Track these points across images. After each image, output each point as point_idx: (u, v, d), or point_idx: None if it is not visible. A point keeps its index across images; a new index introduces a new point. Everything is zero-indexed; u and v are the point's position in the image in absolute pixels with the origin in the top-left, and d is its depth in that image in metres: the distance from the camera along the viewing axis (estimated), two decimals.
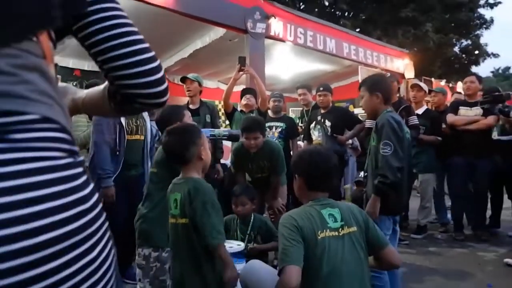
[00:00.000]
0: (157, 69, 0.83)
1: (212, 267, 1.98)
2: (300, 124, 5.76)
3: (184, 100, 4.89)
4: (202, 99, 4.73)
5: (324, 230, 1.87)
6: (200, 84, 4.59)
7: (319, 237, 1.84)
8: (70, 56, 6.53)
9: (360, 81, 7.22)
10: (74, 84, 6.72)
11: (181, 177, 2.08)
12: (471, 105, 4.87)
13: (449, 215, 5.30)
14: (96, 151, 3.28)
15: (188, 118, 2.71)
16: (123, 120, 3.29)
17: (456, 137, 4.83)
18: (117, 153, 3.28)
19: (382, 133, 2.61)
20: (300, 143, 5.21)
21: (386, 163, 2.55)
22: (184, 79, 4.60)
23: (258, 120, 3.78)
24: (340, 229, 1.90)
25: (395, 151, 2.55)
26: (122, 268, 3.47)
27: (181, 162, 2.08)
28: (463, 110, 4.90)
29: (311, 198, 2.03)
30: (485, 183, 4.81)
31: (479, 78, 5.07)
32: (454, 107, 5.01)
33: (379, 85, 2.82)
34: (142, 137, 3.45)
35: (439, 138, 4.89)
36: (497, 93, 4.60)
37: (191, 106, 4.50)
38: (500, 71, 35.14)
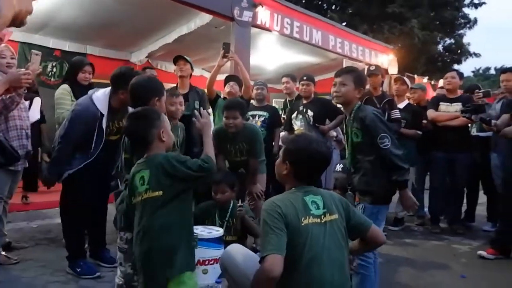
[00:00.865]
0: None
1: (184, 232, 2.07)
2: (283, 116, 5.76)
3: (167, 86, 4.82)
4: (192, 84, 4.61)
5: (307, 217, 1.87)
6: (192, 68, 4.52)
7: (302, 224, 1.84)
8: (50, 35, 6.37)
9: None
10: (53, 64, 6.58)
11: (144, 157, 2.13)
12: (452, 101, 4.94)
13: (426, 209, 5.39)
14: (60, 146, 3.10)
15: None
16: (104, 123, 3.08)
17: (436, 132, 4.90)
18: (92, 150, 3.10)
19: (376, 128, 2.60)
20: (282, 133, 5.21)
21: (392, 153, 2.57)
22: (177, 59, 4.47)
23: (238, 101, 3.85)
24: (323, 216, 1.90)
25: (393, 140, 2.59)
26: (96, 250, 3.43)
27: (143, 145, 2.13)
28: (443, 106, 4.97)
29: (294, 185, 2.03)
30: (464, 178, 4.91)
31: (459, 74, 5.14)
32: (435, 103, 5.07)
33: (364, 81, 2.90)
34: (119, 137, 3.19)
35: (419, 132, 4.95)
36: (478, 104, 4.65)
37: (181, 90, 4.40)
38: (480, 71, 35.64)
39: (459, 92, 5.14)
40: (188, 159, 2.09)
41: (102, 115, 3.05)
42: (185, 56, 4.47)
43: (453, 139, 4.75)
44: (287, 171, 2.05)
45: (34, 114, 4.36)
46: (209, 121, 2.39)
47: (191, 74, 4.55)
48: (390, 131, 2.65)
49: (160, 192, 2.01)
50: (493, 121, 4.13)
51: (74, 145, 3.10)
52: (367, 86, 5.22)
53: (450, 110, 4.91)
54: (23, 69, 2.94)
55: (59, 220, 3.71)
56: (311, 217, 1.88)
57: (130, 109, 3.34)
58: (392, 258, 3.86)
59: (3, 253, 3.40)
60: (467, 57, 19.29)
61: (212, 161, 2.13)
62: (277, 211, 1.85)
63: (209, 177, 2.22)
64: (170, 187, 2.03)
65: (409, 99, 5.51)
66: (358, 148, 2.73)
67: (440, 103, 5.00)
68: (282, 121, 5.49)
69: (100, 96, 3.11)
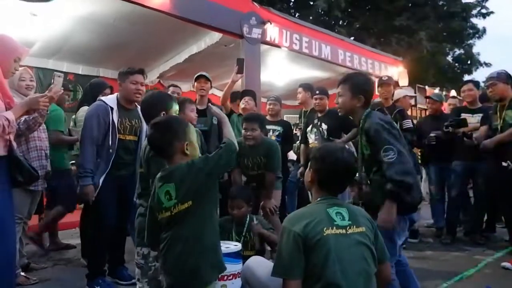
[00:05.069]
0: None
1: (213, 231, 2.01)
2: (299, 125, 5.76)
3: None
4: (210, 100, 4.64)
5: (331, 228, 1.86)
6: (211, 85, 4.57)
7: (324, 234, 1.83)
8: (63, 59, 6.51)
9: None
10: (70, 87, 6.69)
11: (166, 169, 2.01)
12: (473, 112, 4.89)
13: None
14: (80, 147, 3.25)
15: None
16: (115, 118, 3.23)
17: (455, 142, 4.84)
18: (110, 151, 3.21)
19: (379, 140, 2.41)
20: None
21: (394, 168, 2.34)
22: (198, 78, 4.51)
23: (259, 115, 3.88)
24: (348, 227, 1.89)
25: (399, 153, 2.36)
26: (114, 268, 3.43)
27: (164, 157, 2.05)
28: (464, 116, 4.91)
29: (320, 193, 2.02)
30: (484, 187, 4.80)
31: (475, 83, 5.12)
32: (456, 114, 5.02)
33: (364, 87, 2.60)
34: (136, 138, 3.38)
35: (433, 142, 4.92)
36: (460, 118, 4.74)
37: (198, 107, 4.43)
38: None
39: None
40: (208, 157, 2.00)
41: (112, 108, 3.22)
42: (206, 75, 4.51)
43: (472, 148, 4.65)
44: (312, 179, 2.05)
45: None
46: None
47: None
48: (398, 140, 2.43)
49: (190, 202, 1.93)
50: (474, 136, 4.20)
51: (95, 143, 3.18)
52: (378, 99, 5.24)
53: (472, 121, 4.84)
54: (37, 94, 3.01)
55: (76, 241, 3.75)
56: (334, 227, 1.87)
57: (139, 109, 3.45)
58: (414, 271, 3.76)
59: (23, 273, 3.41)
60: (477, 67, 19.19)
61: (233, 142, 2.07)
62: (297, 234, 1.85)
63: (233, 160, 2.11)
64: (198, 193, 1.95)
65: (426, 109, 5.48)
66: (369, 161, 2.59)
67: (462, 114, 4.95)
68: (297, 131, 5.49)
69: (109, 96, 3.43)
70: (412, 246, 4.72)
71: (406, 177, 2.34)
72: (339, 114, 2.80)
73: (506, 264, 3.91)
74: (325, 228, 1.85)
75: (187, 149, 1.99)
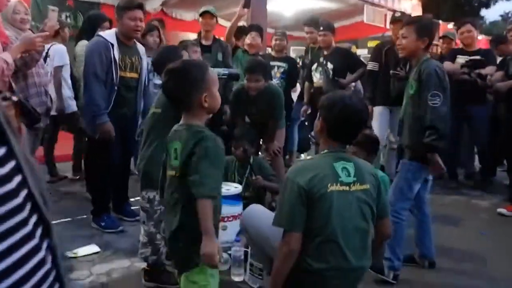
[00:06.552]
0: None
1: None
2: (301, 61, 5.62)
3: (185, 36, 4.69)
4: (215, 35, 4.48)
5: (335, 184, 1.84)
6: (216, 20, 4.38)
7: (328, 190, 1.82)
8: None
9: (366, 20, 6.88)
10: (67, 15, 6.44)
11: (182, 123, 1.82)
12: (470, 54, 4.68)
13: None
14: (87, 85, 3.17)
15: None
16: (116, 54, 3.13)
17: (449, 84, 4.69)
18: (114, 87, 3.15)
19: (429, 83, 2.51)
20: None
21: (437, 114, 2.47)
22: (203, 13, 4.32)
23: (262, 63, 3.69)
24: (352, 184, 1.87)
25: (444, 101, 2.49)
26: (119, 205, 3.51)
27: (181, 108, 1.83)
28: (460, 59, 4.72)
29: (327, 144, 1.99)
30: (481, 132, 4.74)
31: (474, 25, 4.86)
32: (452, 56, 4.82)
33: (429, 30, 2.72)
34: (137, 76, 3.31)
35: None
36: (478, 59, 4.53)
37: (203, 42, 4.27)
38: (510, 14, 33.92)
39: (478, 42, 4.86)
40: (212, 165, 1.67)
41: (112, 45, 3.13)
42: (210, 10, 4.31)
43: (465, 90, 4.48)
44: (321, 128, 2.00)
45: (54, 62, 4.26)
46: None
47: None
48: (446, 92, 2.54)
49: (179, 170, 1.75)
50: (488, 77, 4.12)
51: (98, 78, 3.10)
52: (389, 33, 5.01)
53: (475, 58, 4.65)
54: (32, 34, 2.89)
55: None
56: (339, 184, 1.85)
57: (139, 46, 3.41)
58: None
59: None
60: (496, 1, 18.31)
61: (212, 193, 1.68)
62: (301, 186, 1.83)
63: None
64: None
65: (436, 46, 5.26)
66: (411, 101, 2.68)
67: (458, 56, 4.75)
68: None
69: (107, 32, 3.33)
70: None
71: (444, 125, 2.49)
72: (400, 55, 2.97)
73: (502, 210, 3.98)
74: (329, 184, 1.84)
75: (205, 101, 1.75)
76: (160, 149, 2.24)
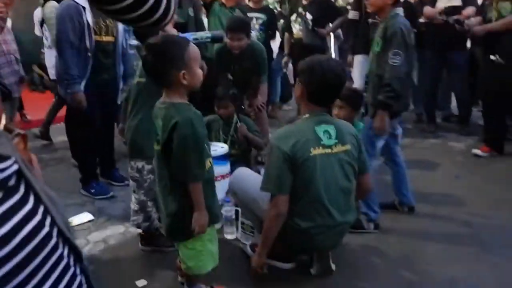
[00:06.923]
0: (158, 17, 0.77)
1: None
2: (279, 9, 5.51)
3: None
4: None
5: (317, 147, 1.93)
6: None
7: (311, 154, 1.92)
8: None
9: None
10: None
11: (163, 100, 1.85)
12: None
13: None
14: (59, 53, 3.09)
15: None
16: (89, 18, 3.03)
17: (428, 29, 4.72)
18: (88, 54, 3.07)
19: (392, 42, 2.50)
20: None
21: (395, 73, 2.49)
22: None
23: (243, 21, 3.66)
24: (334, 146, 1.97)
25: (404, 61, 2.48)
26: (106, 170, 3.55)
27: (160, 84, 1.85)
28: (441, 2, 4.70)
29: (308, 109, 2.05)
30: (458, 77, 4.82)
31: None
32: (432, 0, 4.79)
33: None
34: (113, 39, 3.23)
35: (415, 30, 4.77)
36: (457, 5, 4.53)
37: None
38: None
39: None
40: (193, 150, 1.74)
41: (83, 8, 3.02)
42: None
43: (445, 35, 4.54)
44: (301, 93, 2.05)
45: None
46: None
47: None
48: (408, 49, 2.54)
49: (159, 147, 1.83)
50: (465, 22, 4.15)
51: (72, 45, 3.02)
52: None
53: (451, 5, 4.63)
54: None
55: (63, 138, 3.77)
56: (321, 147, 1.94)
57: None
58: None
59: None
60: None
61: (198, 178, 1.78)
62: (285, 152, 1.92)
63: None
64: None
65: None
66: (376, 58, 2.69)
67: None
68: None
69: None
70: None
71: (400, 85, 2.49)
72: (369, 11, 2.93)
73: (476, 150, 4.16)
74: (312, 148, 1.92)
75: (184, 78, 1.75)
76: (146, 119, 2.27)
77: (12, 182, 0.55)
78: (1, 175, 0.53)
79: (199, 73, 1.82)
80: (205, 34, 2.77)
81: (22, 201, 0.56)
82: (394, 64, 2.48)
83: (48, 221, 0.60)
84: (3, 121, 0.68)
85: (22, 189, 0.57)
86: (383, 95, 2.52)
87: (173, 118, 1.73)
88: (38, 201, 0.59)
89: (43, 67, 7.04)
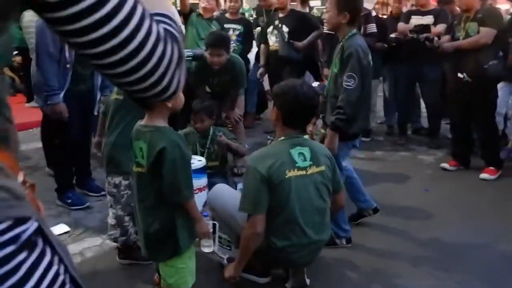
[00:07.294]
0: (167, 85, 0.73)
1: (182, 215, 1.90)
2: (257, 23, 5.58)
3: None
4: None
5: (292, 170, 2.01)
6: None
7: (286, 176, 1.99)
8: None
9: None
10: None
11: (145, 123, 1.88)
12: (423, 13, 4.84)
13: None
14: (38, 65, 3.09)
15: None
16: None
17: (403, 44, 4.88)
18: (67, 66, 3.09)
19: (348, 64, 2.51)
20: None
21: (347, 97, 2.50)
22: None
23: (224, 36, 3.73)
24: (308, 168, 2.05)
25: (358, 84, 2.49)
26: (82, 180, 3.53)
27: (144, 107, 1.87)
28: (414, 19, 4.87)
29: (284, 131, 2.12)
30: (431, 91, 4.99)
31: None
32: (407, 16, 4.96)
33: (350, 3, 2.63)
34: None
35: (385, 45, 4.95)
36: (426, 24, 4.72)
37: None
38: None
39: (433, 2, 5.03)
40: (182, 170, 1.81)
41: None
42: None
43: (418, 51, 4.63)
44: (276, 116, 2.13)
45: None
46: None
47: None
48: (364, 71, 2.54)
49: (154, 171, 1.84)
50: (435, 40, 4.26)
51: (51, 57, 3.03)
52: None
53: (422, 23, 4.83)
54: None
55: (36, 145, 3.72)
56: (296, 169, 2.02)
57: None
58: (363, 173, 4.07)
59: None
60: None
61: (190, 196, 1.89)
62: (261, 174, 1.99)
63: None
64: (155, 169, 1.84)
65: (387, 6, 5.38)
66: (334, 79, 2.69)
67: (412, 16, 4.90)
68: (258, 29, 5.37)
69: None
70: (365, 145, 5.01)
71: (351, 110, 2.50)
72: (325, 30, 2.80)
73: (444, 165, 4.32)
74: (287, 171, 2.00)
75: (169, 102, 1.77)
76: (123, 135, 2.32)
77: (32, 238, 0.60)
78: (24, 235, 0.58)
79: (182, 95, 1.85)
80: (186, 52, 2.83)
81: (42, 255, 0.61)
82: (348, 87, 2.49)
83: (62, 269, 0.65)
84: (21, 177, 0.72)
85: (40, 243, 0.61)
86: (334, 118, 2.54)
87: (159, 143, 1.78)
88: (54, 252, 0.64)
89: (14, 70, 6.93)
